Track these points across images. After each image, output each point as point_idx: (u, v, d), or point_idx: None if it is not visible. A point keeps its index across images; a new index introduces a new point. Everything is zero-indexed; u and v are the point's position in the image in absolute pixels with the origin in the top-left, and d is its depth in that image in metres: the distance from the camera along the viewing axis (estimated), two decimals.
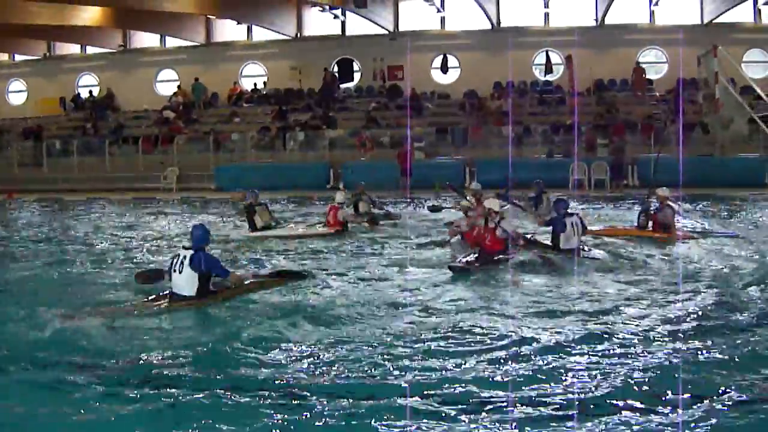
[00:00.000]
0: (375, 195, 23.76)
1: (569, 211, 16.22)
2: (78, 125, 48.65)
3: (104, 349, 9.65)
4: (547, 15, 46.97)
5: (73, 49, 53.72)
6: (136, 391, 7.94)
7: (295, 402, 7.57)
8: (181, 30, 49.00)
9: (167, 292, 12.09)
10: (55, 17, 42.91)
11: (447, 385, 7.81)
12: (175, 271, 11.90)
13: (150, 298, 12.22)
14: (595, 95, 43.50)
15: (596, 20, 45.62)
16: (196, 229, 12.35)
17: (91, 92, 52.57)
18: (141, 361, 9.06)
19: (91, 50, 53.39)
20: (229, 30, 50.33)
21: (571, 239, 15.74)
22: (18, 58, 54.85)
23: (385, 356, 8.94)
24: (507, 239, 15.09)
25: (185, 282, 11.82)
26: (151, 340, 10.17)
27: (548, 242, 16.36)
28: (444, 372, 8.24)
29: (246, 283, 13.05)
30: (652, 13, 45.73)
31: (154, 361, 9.05)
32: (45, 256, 17.83)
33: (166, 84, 51.82)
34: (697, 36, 40.85)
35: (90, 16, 44.20)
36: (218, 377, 8.41)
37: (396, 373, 8.33)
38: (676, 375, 7.97)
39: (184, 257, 11.82)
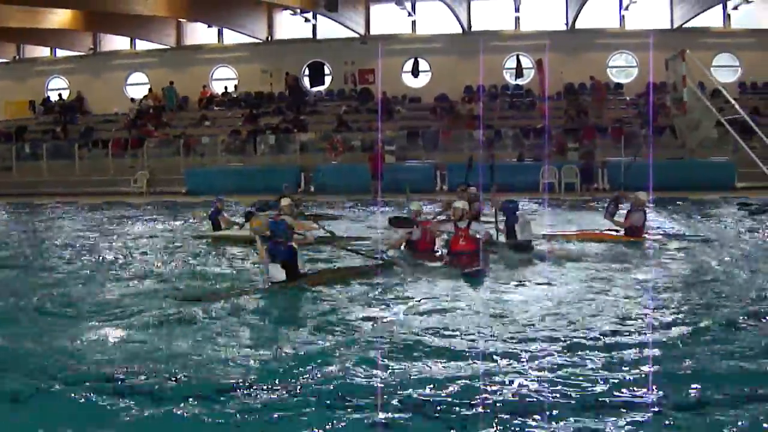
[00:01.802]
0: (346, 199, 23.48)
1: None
2: (47, 129, 48.37)
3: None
4: (517, 19, 47.12)
5: (43, 52, 53.37)
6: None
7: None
8: (151, 33, 48.80)
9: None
10: (25, 20, 42.66)
11: (420, 393, 7.74)
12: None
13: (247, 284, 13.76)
14: (565, 99, 43.66)
15: (567, 25, 45.82)
16: (273, 225, 13.59)
17: (60, 95, 52.25)
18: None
19: (61, 53, 53.11)
20: (199, 33, 50.21)
21: (525, 230, 16.66)
22: None
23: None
24: (479, 239, 15.15)
25: (274, 270, 13.05)
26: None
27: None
28: (418, 379, 8.16)
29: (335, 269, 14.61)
30: (622, 18, 45.98)
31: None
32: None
33: (137, 87, 51.56)
34: (667, 40, 40.99)
35: (60, 19, 43.96)
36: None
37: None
38: (647, 378, 7.97)
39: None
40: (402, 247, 16.28)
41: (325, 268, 14.43)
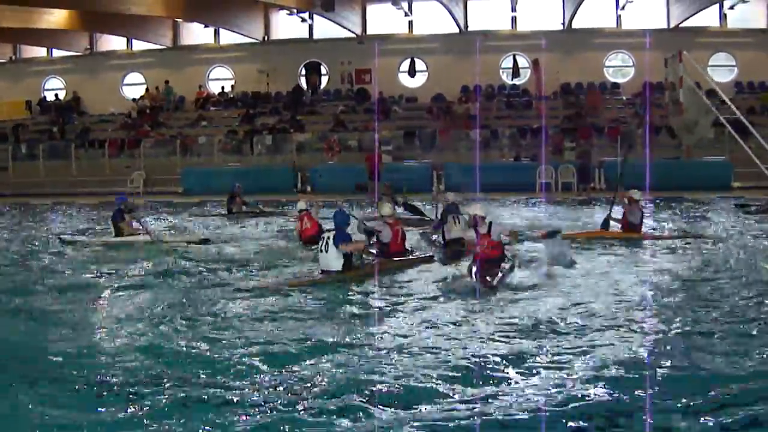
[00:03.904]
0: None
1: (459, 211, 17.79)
2: (44, 129, 48.31)
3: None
4: (514, 19, 47.12)
5: (40, 52, 53.31)
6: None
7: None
8: (147, 33, 48.76)
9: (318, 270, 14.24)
10: (21, 20, 42.61)
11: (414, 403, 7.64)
12: (322, 251, 14.01)
13: (302, 274, 14.45)
14: (561, 99, 43.67)
15: (563, 24, 45.84)
16: (337, 214, 14.39)
17: (57, 95, 52.25)
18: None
19: (57, 53, 53.02)
20: (196, 33, 50.15)
21: (453, 229, 17.18)
22: None
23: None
24: (504, 243, 14.49)
25: (332, 259, 13.85)
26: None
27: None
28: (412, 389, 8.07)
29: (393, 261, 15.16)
30: (618, 18, 45.96)
31: None
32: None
33: (133, 87, 51.52)
34: (663, 40, 41.06)
35: (56, 19, 43.90)
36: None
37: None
38: (645, 381, 7.92)
39: (329, 238, 13.93)
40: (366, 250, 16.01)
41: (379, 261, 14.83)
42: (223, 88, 50.10)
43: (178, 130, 45.26)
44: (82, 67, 51.96)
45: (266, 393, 7.88)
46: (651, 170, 25.41)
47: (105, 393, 7.98)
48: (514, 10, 46.95)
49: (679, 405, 7.29)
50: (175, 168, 40.60)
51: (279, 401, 7.60)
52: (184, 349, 9.57)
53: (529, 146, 38.20)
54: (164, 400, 7.71)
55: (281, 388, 7.99)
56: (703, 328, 10.12)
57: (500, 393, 7.73)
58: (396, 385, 8.00)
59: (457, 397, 7.66)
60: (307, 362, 8.85)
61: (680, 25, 44.04)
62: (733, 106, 31.94)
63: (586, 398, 7.51)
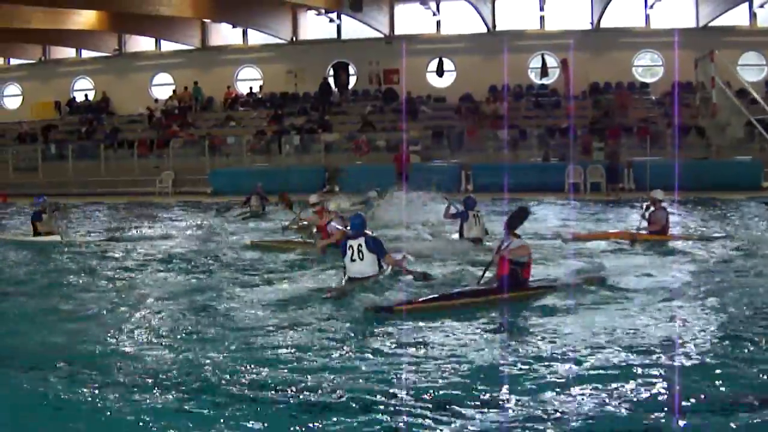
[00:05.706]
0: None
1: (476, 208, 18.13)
2: (73, 129, 48.63)
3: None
4: (542, 18, 46.95)
5: (69, 53, 53.63)
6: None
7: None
8: (176, 34, 48.95)
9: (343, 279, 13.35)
10: (50, 21, 42.91)
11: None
12: (354, 260, 13.14)
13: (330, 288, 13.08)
14: (590, 98, 43.49)
15: (592, 24, 45.61)
16: (356, 218, 13.76)
17: (86, 96, 52.56)
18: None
19: (86, 54, 53.33)
20: (224, 34, 50.29)
21: (473, 229, 17.67)
22: (13, 62, 54.73)
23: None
24: (517, 263, 12.31)
25: (367, 265, 13.17)
26: None
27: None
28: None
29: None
30: (647, 17, 45.70)
31: None
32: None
33: (162, 88, 51.74)
34: (692, 39, 40.88)
35: (85, 20, 44.18)
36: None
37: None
38: (674, 387, 7.87)
39: (360, 245, 13.12)
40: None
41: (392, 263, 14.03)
42: (251, 88, 50.21)
43: (207, 130, 45.44)
44: (111, 67, 52.22)
45: (279, 394, 7.96)
46: (679, 170, 25.31)
47: (114, 393, 8.06)
48: (542, 9, 46.77)
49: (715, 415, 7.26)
50: (203, 168, 40.79)
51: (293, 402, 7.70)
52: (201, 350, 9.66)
53: (558, 146, 38.09)
54: (173, 401, 7.81)
55: (294, 389, 8.05)
56: (730, 329, 10.02)
57: (520, 401, 7.71)
58: (408, 391, 7.98)
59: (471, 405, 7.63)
60: (333, 369, 8.85)
61: (709, 24, 43.76)
62: (766, 106, 31.77)
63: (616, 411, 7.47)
